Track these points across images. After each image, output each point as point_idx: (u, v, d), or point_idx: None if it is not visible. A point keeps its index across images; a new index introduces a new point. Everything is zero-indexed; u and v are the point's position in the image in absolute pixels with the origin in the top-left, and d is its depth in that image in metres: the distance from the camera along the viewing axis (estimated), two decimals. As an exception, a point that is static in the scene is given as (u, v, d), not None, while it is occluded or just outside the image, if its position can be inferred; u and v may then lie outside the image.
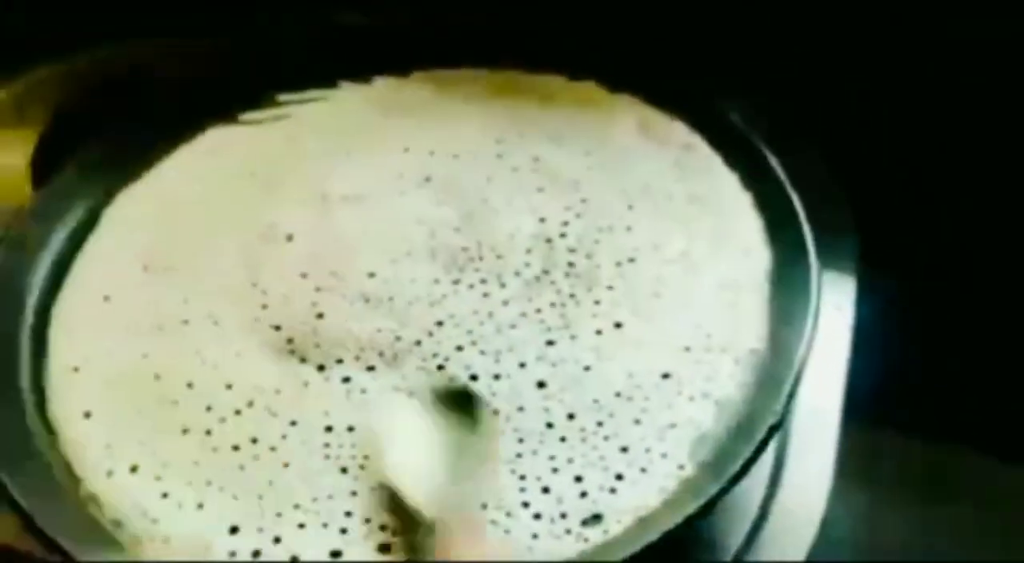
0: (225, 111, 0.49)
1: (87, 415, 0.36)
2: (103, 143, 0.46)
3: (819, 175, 0.48)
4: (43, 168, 0.51)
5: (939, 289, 0.49)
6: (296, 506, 0.33)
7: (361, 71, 0.50)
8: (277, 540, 0.32)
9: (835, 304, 0.44)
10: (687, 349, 0.37)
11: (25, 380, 0.37)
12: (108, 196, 0.44)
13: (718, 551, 0.37)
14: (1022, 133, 0.51)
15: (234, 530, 0.32)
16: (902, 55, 0.51)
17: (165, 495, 0.33)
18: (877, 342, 0.44)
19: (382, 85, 0.50)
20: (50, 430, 0.36)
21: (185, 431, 0.35)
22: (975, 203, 0.51)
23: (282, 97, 0.49)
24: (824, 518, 0.38)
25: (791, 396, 0.34)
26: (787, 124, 0.46)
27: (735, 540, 0.37)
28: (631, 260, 0.40)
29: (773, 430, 0.33)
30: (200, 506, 0.33)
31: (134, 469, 0.34)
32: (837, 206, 0.47)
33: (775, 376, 0.35)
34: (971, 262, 0.50)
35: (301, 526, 0.32)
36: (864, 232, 0.47)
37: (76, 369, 0.37)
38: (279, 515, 0.32)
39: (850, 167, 0.50)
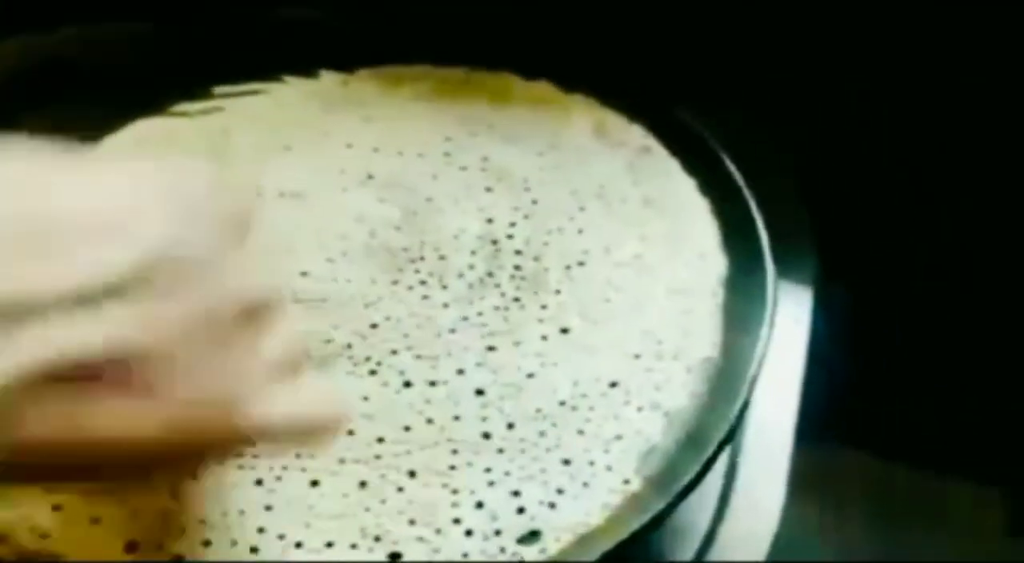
0: (158, 102, 0.46)
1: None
2: (25, 127, 0.43)
3: (778, 186, 0.46)
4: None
5: (897, 304, 0.48)
6: (202, 521, 0.30)
7: (307, 66, 0.48)
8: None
9: (792, 316, 0.42)
10: (637, 356, 0.34)
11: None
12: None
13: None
14: (982, 148, 0.50)
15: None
16: (863, 66, 0.50)
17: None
18: (833, 356, 0.43)
19: (327, 80, 0.48)
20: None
21: (87, 437, 0.32)
22: (933, 219, 0.50)
23: (218, 89, 0.47)
24: (776, 535, 0.36)
25: (744, 408, 0.32)
26: (747, 133, 0.45)
27: (682, 559, 0.35)
28: (581, 263, 0.38)
29: (724, 444, 0.31)
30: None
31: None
32: (796, 218, 0.46)
33: (728, 387, 0.33)
34: (930, 278, 0.49)
35: (207, 543, 0.29)
36: (823, 246, 0.46)
37: None
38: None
39: (810, 180, 0.49)
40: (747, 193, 0.39)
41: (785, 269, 0.38)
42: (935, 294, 0.48)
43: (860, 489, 0.42)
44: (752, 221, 0.38)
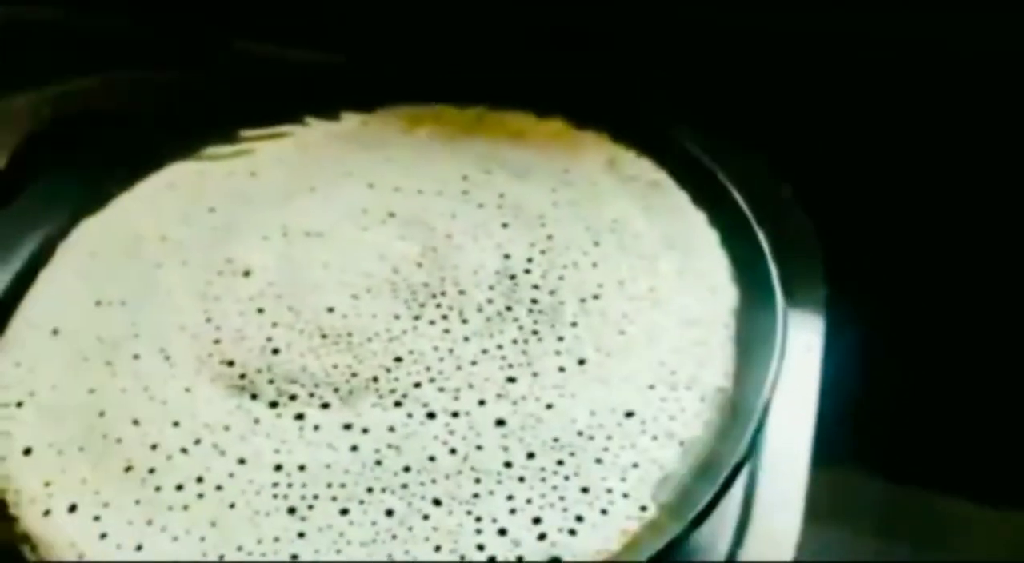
0: (188, 146, 0.48)
1: (27, 452, 0.34)
2: (61, 174, 0.45)
3: (788, 214, 0.48)
4: (3, 196, 0.50)
5: (910, 330, 0.49)
6: (239, 548, 0.31)
7: (328, 107, 0.50)
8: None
9: (804, 343, 0.43)
10: (651, 387, 0.36)
11: (-36, 416, 0.36)
12: (64, 228, 0.43)
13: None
14: (996, 169, 0.51)
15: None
16: (872, 93, 0.52)
17: (103, 535, 0.32)
18: (847, 382, 0.43)
19: (348, 121, 0.49)
20: (-14, 468, 0.34)
21: (128, 469, 0.33)
22: (947, 240, 0.51)
23: (245, 133, 0.49)
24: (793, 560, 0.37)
25: (756, 434, 0.33)
26: (754, 162, 0.46)
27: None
28: (596, 297, 0.39)
29: (737, 470, 0.32)
30: (139, 547, 0.31)
31: (72, 509, 0.33)
32: (807, 245, 0.47)
33: (740, 414, 0.34)
34: (943, 303, 0.50)
35: (244, 570, 0.30)
36: (832, 270, 0.47)
37: (19, 404, 0.36)
38: (221, 557, 0.31)
39: (820, 207, 0.50)
40: (755, 225, 0.40)
41: (796, 296, 0.39)
42: (951, 317, 0.49)
43: (876, 515, 0.43)
44: (761, 253, 0.39)
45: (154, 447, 0.34)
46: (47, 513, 0.32)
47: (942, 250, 0.51)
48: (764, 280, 0.38)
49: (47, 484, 0.33)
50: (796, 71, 0.53)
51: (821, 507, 0.39)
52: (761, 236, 0.40)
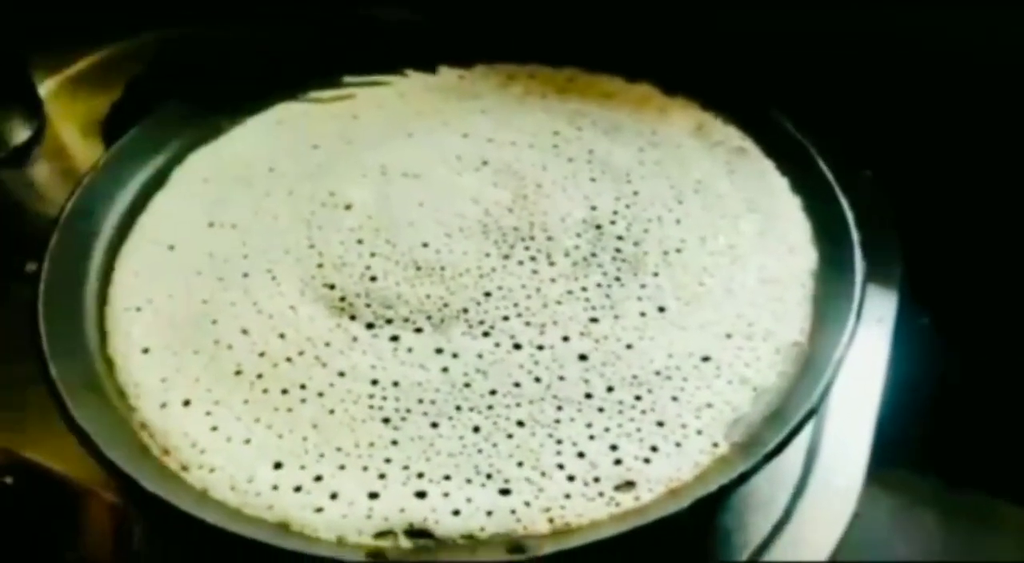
0: (295, 88, 0.51)
1: (145, 351, 0.37)
2: (177, 106, 0.48)
3: (868, 193, 0.48)
4: (114, 132, 0.53)
5: (978, 324, 0.50)
6: (338, 449, 0.34)
7: (428, 61, 0.52)
8: (318, 478, 0.33)
9: (877, 316, 0.44)
10: (728, 336, 0.37)
11: (90, 317, 0.39)
12: (179, 156, 0.46)
13: (738, 547, 0.37)
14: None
15: (278, 465, 0.33)
16: (963, 89, 0.52)
17: (214, 428, 0.34)
18: (913, 369, 0.44)
19: (446, 75, 0.52)
20: (109, 363, 0.37)
21: (238, 373, 0.36)
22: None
23: (348, 79, 0.51)
24: (849, 525, 0.38)
25: (827, 388, 0.34)
26: (837, 141, 0.47)
27: (763, 530, 0.37)
28: (678, 250, 0.41)
29: (806, 418, 0.33)
30: (247, 441, 0.34)
31: (187, 403, 0.35)
32: (885, 223, 0.48)
33: (814, 367, 0.36)
34: (1015, 299, 0.50)
35: (342, 468, 0.33)
36: (911, 264, 0.47)
37: (138, 309, 0.39)
38: (321, 456, 0.33)
39: (901, 200, 0.50)
40: (839, 192, 0.41)
41: (872, 272, 0.40)
42: (1015, 314, 0.50)
43: (932, 503, 0.43)
44: (843, 219, 0.40)
45: (262, 355, 0.37)
46: (164, 406, 0.35)
47: (1016, 247, 0.51)
48: (845, 244, 0.39)
49: (163, 380, 0.36)
50: (883, 66, 0.53)
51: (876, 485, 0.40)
52: (844, 202, 0.41)
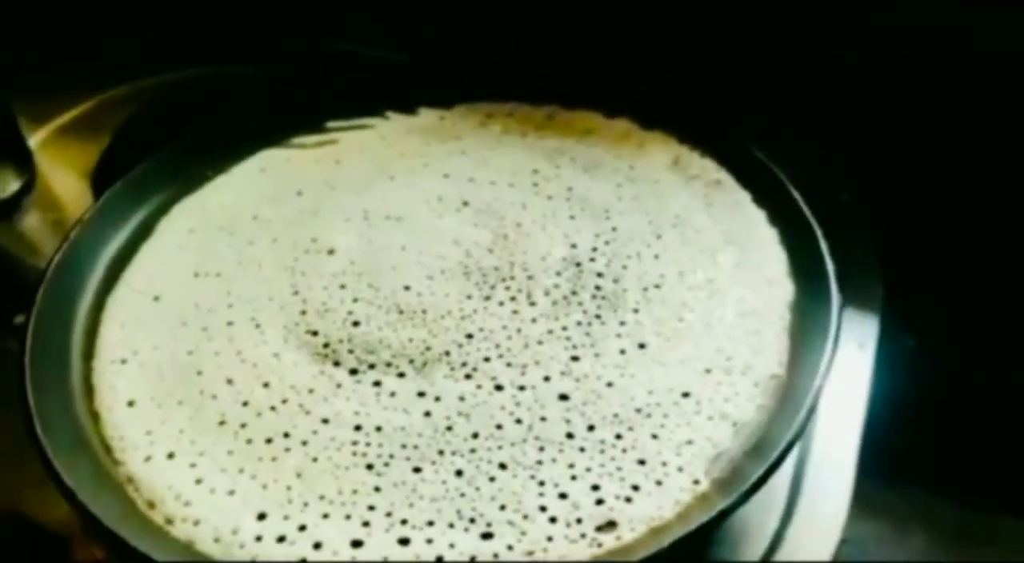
0: (278, 135, 0.51)
1: (130, 404, 0.38)
2: (161, 158, 0.49)
3: (846, 218, 0.49)
4: (104, 181, 0.54)
5: (963, 341, 0.50)
6: (322, 497, 0.34)
7: (408, 103, 0.53)
8: (302, 528, 0.33)
9: (858, 341, 0.45)
10: (708, 371, 0.38)
11: (76, 370, 0.39)
12: (164, 206, 0.47)
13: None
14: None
15: (261, 516, 0.33)
16: (938, 101, 0.52)
17: (199, 481, 0.35)
18: (897, 388, 0.44)
19: (426, 116, 0.52)
20: (95, 417, 0.37)
21: (222, 423, 0.37)
22: (1005, 256, 0.52)
23: (331, 124, 0.52)
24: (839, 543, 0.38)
25: (807, 418, 0.35)
26: (812, 169, 0.48)
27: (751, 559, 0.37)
28: (657, 286, 0.41)
29: (787, 450, 0.34)
30: (231, 492, 0.34)
31: (171, 456, 0.36)
32: (864, 248, 0.49)
33: (793, 399, 0.36)
34: (998, 316, 0.50)
35: (325, 516, 0.33)
36: (889, 280, 0.48)
37: (124, 361, 0.40)
38: (305, 505, 0.34)
39: (876, 215, 0.51)
40: (814, 224, 0.42)
41: (852, 296, 0.40)
42: (1001, 331, 0.50)
43: (920, 521, 0.43)
44: (818, 250, 0.40)
45: (246, 404, 0.37)
46: (148, 459, 0.36)
47: (999, 263, 0.52)
48: (820, 275, 0.40)
49: (148, 433, 0.37)
50: (855, 80, 0.54)
51: (865, 505, 0.40)
52: (820, 234, 0.41)
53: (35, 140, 0.60)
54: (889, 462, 0.43)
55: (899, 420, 0.44)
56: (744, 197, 0.45)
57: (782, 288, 0.41)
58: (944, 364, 0.49)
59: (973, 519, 0.45)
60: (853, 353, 0.44)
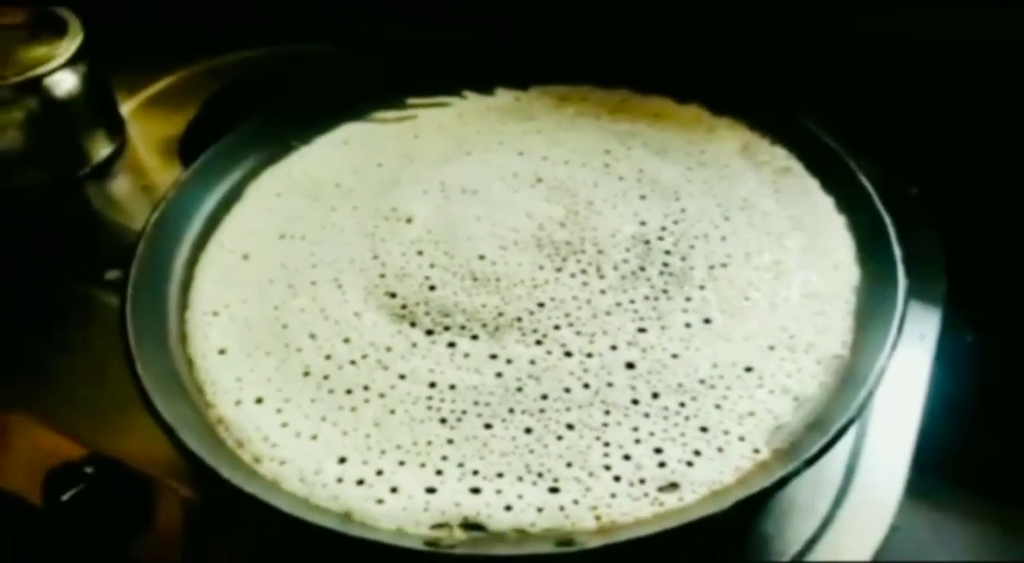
0: (360, 110, 0.54)
1: (222, 352, 0.40)
2: (250, 128, 0.51)
3: (913, 211, 0.49)
4: (190, 149, 0.57)
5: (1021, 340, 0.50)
6: (398, 446, 0.36)
7: (485, 84, 0.55)
8: (379, 473, 0.35)
9: (919, 333, 0.45)
10: (771, 348, 0.39)
11: (172, 320, 0.42)
12: (253, 172, 0.50)
13: (777, 552, 0.38)
14: None
15: (342, 460, 0.36)
16: (1009, 100, 0.52)
17: (284, 425, 0.37)
18: (954, 387, 0.45)
19: (503, 96, 0.54)
20: (190, 363, 0.40)
21: (306, 374, 0.39)
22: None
23: (411, 101, 0.54)
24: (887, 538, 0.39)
25: (868, 397, 0.36)
26: (885, 159, 0.48)
27: (794, 544, 0.38)
28: (723, 265, 0.43)
29: (846, 427, 0.35)
30: (314, 437, 0.36)
31: (259, 401, 0.38)
32: (929, 241, 0.49)
33: (855, 378, 0.37)
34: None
35: (401, 464, 0.35)
36: (953, 277, 0.48)
37: (215, 313, 0.42)
38: (383, 452, 0.36)
39: (946, 212, 0.51)
40: (883, 211, 0.42)
41: (915, 289, 0.41)
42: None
43: (966, 518, 0.44)
44: (886, 236, 0.41)
45: (328, 357, 0.39)
46: (238, 403, 0.38)
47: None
48: (888, 261, 0.40)
49: (238, 379, 0.39)
50: (924, 78, 0.54)
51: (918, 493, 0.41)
52: (888, 221, 0.42)
53: (127, 109, 0.63)
54: (944, 459, 0.44)
55: (955, 418, 0.44)
56: (813, 184, 0.46)
57: (848, 272, 0.42)
58: (1002, 363, 0.49)
59: (1020, 519, 0.45)
60: (915, 343, 0.44)
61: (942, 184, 0.53)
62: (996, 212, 0.53)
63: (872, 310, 0.40)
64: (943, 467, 0.44)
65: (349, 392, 0.38)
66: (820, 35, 0.55)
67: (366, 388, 0.38)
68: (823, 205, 0.45)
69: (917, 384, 0.43)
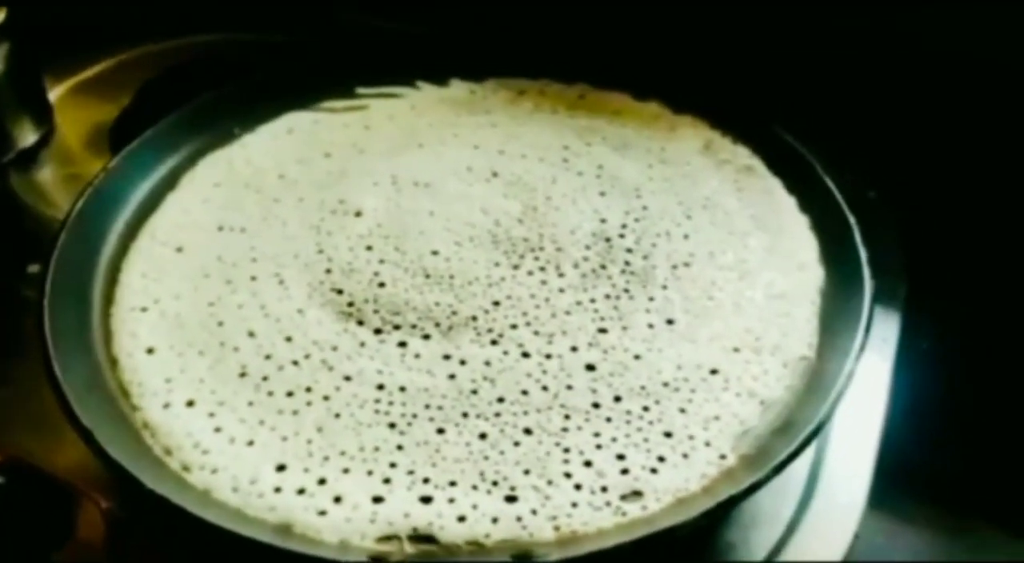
0: (306, 98, 0.51)
1: (150, 351, 0.37)
2: (188, 113, 0.48)
3: (873, 213, 0.48)
4: (121, 138, 0.54)
5: (983, 343, 0.49)
6: (343, 453, 0.33)
7: (439, 74, 0.53)
8: (322, 481, 0.32)
9: (881, 336, 0.44)
10: (736, 350, 0.37)
11: (96, 316, 0.39)
12: (189, 160, 0.46)
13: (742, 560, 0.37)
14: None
15: (281, 468, 0.33)
16: (967, 104, 0.52)
17: (218, 429, 0.34)
18: (915, 388, 0.44)
19: (457, 88, 0.52)
20: (113, 363, 0.37)
21: (243, 375, 0.36)
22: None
23: (361, 90, 0.51)
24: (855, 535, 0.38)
25: (837, 400, 0.34)
26: (844, 163, 0.48)
27: (759, 552, 0.36)
28: (686, 265, 0.41)
29: (815, 432, 0.33)
30: (251, 443, 0.34)
31: (190, 404, 0.35)
32: (889, 242, 0.48)
33: (822, 381, 0.35)
34: (1016, 323, 0.50)
35: (346, 471, 0.33)
36: (911, 275, 0.47)
37: (144, 309, 0.39)
38: (326, 459, 0.33)
39: (904, 217, 0.51)
40: (847, 212, 0.41)
41: (876, 289, 0.40)
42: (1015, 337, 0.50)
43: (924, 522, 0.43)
44: (851, 237, 0.40)
45: (268, 357, 0.37)
46: (167, 406, 0.35)
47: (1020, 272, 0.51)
48: (853, 262, 0.39)
49: (167, 380, 0.36)
50: (884, 81, 0.54)
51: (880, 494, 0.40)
52: (852, 221, 0.41)
53: (55, 94, 0.59)
54: (902, 466, 0.43)
55: (914, 424, 0.44)
56: (775, 184, 0.45)
57: (813, 273, 0.41)
58: (958, 369, 0.49)
59: (983, 531, 0.45)
60: (877, 346, 0.44)
61: (899, 187, 0.53)
62: (952, 215, 0.53)
63: (838, 312, 0.38)
64: (901, 475, 0.43)
65: (290, 394, 0.35)
66: (781, 34, 0.55)
67: (309, 390, 0.35)
68: (786, 205, 0.44)
69: (879, 387, 0.43)
